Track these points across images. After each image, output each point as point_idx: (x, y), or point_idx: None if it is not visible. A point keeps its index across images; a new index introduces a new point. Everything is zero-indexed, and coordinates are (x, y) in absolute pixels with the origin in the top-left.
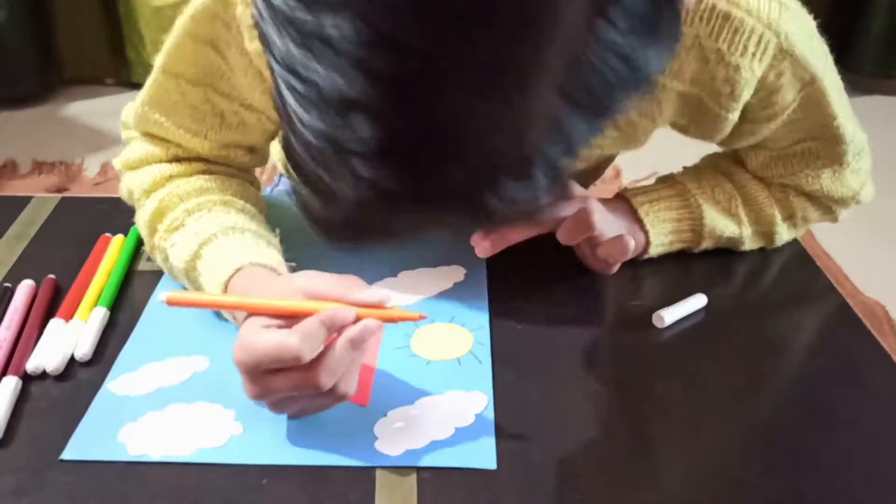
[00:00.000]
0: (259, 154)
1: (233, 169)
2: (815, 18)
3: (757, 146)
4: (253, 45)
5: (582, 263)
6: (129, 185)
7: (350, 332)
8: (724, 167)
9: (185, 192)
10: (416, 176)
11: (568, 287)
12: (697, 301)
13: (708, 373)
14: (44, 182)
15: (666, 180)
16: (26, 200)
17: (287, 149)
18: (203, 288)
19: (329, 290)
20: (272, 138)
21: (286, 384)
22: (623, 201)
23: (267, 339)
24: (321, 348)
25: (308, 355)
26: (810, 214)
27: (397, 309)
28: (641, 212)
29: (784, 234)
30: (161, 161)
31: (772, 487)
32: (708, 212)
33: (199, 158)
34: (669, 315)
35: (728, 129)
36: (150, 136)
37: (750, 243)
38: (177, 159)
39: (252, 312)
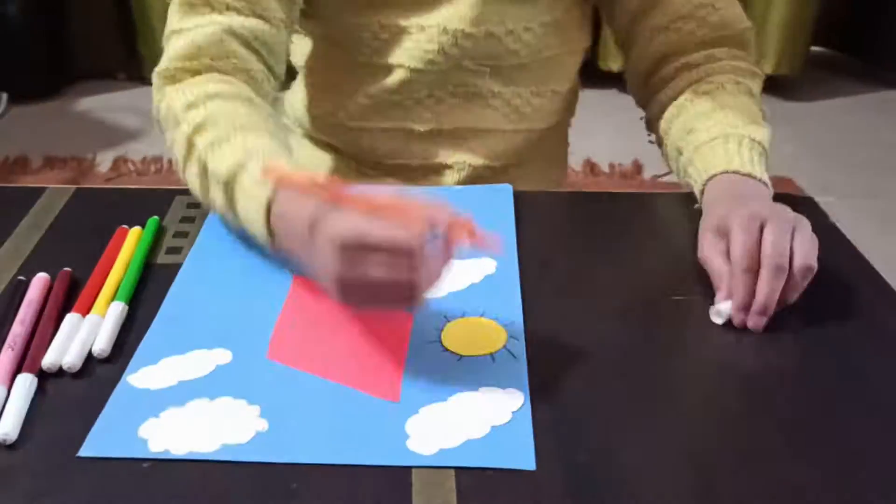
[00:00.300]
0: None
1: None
2: (836, 12)
3: None
4: None
5: (621, 255)
6: (168, 101)
7: (449, 228)
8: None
9: (230, 112)
10: None
11: (606, 281)
12: None
13: (759, 369)
14: (56, 177)
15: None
16: (40, 192)
17: None
18: (240, 200)
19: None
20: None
21: (386, 268)
22: (721, 181)
23: (386, 223)
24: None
25: (420, 244)
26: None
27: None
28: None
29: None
30: (197, 71)
31: (830, 488)
32: (759, 134)
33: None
34: (727, 307)
35: None
36: (188, 7)
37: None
38: (219, 69)
39: (350, 205)
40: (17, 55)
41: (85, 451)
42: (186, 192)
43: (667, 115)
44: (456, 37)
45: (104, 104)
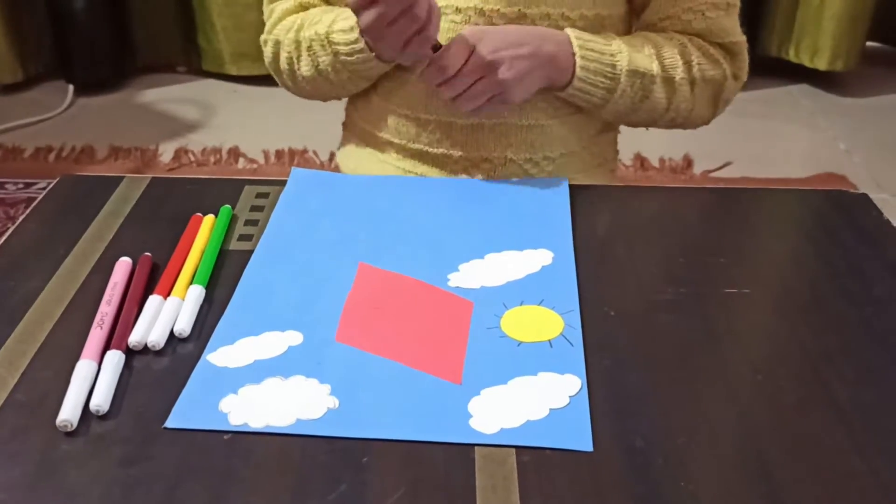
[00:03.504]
0: None
1: None
2: (893, 6)
3: None
4: None
5: (674, 248)
6: (276, 34)
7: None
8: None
9: (320, 9)
10: None
11: (659, 273)
12: None
13: (812, 359)
14: (120, 167)
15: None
16: (118, 180)
17: None
18: (331, 39)
19: None
20: None
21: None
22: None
23: None
24: None
25: None
26: (704, 64)
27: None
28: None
29: (684, 88)
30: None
31: (884, 475)
32: (621, 45)
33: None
34: None
35: None
36: None
37: (660, 86)
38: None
39: None
40: (83, 48)
41: (171, 423)
42: (255, 181)
43: None
44: (491, 17)
45: (165, 96)
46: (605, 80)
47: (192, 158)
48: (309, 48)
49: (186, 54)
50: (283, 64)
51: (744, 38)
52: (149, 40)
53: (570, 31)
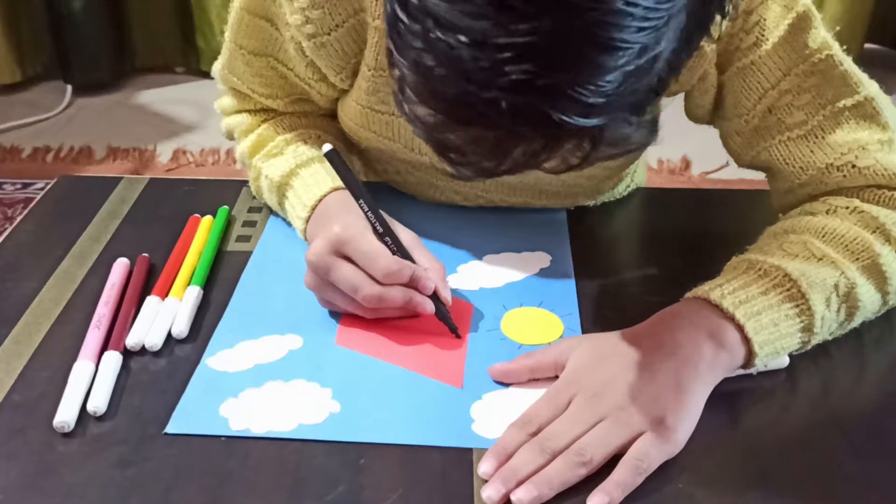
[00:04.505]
0: (334, 106)
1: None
2: (893, 7)
3: (780, 128)
4: (293, 17)
5: (673, 250)
6: (228, 126)
7: (416, 295)
8: (776, 228)
9: (281, 127)
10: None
11: (658, 275)
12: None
13: (812, 361)
14: (119, 167)
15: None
16: (116, 181)
17: (424, 74)
18: (290, 201)
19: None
20: (335, 103)
21: (349, 274)
22: (689, 305)
23: (374, 240)
24: (395, 284)
25: (385, 275)
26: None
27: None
28: (726, 303)
29: (893, 262)
30: (249, 111)
31: (878, 478)
32: (790, 265)
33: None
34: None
35: (710, 67)
36: (235, 92)
37: (866, 289)
38: (263, 110)
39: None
40: (81, 48)
41: (171, 429)
42: None
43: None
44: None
45: (163, 97)
46: (789, 320)
47: (191, 159)
48: (257, 178)
49: (185, 55)
50: (237, 153)
51: None
52: (147, 41)
53: (710, 292)
